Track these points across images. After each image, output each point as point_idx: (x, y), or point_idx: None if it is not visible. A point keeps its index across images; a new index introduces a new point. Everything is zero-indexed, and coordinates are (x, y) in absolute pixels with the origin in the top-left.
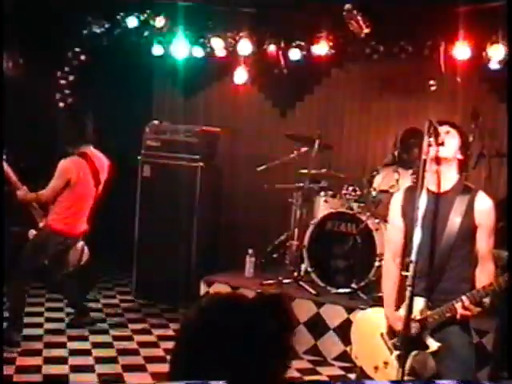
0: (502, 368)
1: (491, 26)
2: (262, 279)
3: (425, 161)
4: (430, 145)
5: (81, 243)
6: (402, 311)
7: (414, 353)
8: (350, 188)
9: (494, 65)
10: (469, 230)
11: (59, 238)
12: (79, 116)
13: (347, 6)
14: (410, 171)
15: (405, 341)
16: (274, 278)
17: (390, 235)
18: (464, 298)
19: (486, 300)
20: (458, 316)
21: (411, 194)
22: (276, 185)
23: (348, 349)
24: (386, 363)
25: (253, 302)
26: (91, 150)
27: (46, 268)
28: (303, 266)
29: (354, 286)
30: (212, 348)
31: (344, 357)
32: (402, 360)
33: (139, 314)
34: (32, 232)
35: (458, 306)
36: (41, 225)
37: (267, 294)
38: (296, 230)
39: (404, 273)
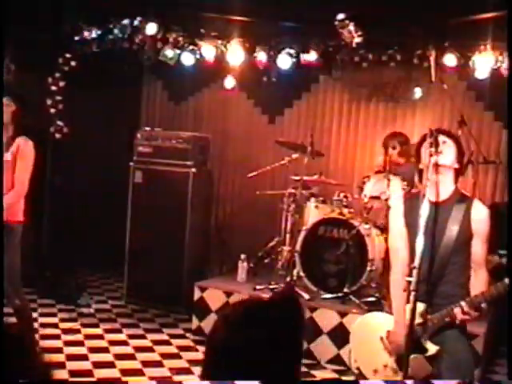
0: (491, 370)
1: (479, 36)
2: (254, 284)
3: (426, 170)
4: (430, 154)
5: None
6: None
7: (412, 356)
8: (342, 194)
9: (480, 74)
10: (466, 237)
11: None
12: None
13: (340, 16)
14: (400, 178)
15: (408, 344)
16: (265, 282)
17: (398, 246)
18: (463, 303)
19: (484, 305)
20: (458, 321)
21: (411, 203)
22: (268, 191)
23: (341, 352)
24: (385, 366)
25: (272, 304)
26: None
27: None
28: (295, 271)
29: (346, 290)
30: (242, 356)
31: (337, 360)
32: (404, 362)
33: (132, 319)
34: None
35: (458, 311)
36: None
37: (281, 293)
38: (287, 236)
39: (407, 278)
